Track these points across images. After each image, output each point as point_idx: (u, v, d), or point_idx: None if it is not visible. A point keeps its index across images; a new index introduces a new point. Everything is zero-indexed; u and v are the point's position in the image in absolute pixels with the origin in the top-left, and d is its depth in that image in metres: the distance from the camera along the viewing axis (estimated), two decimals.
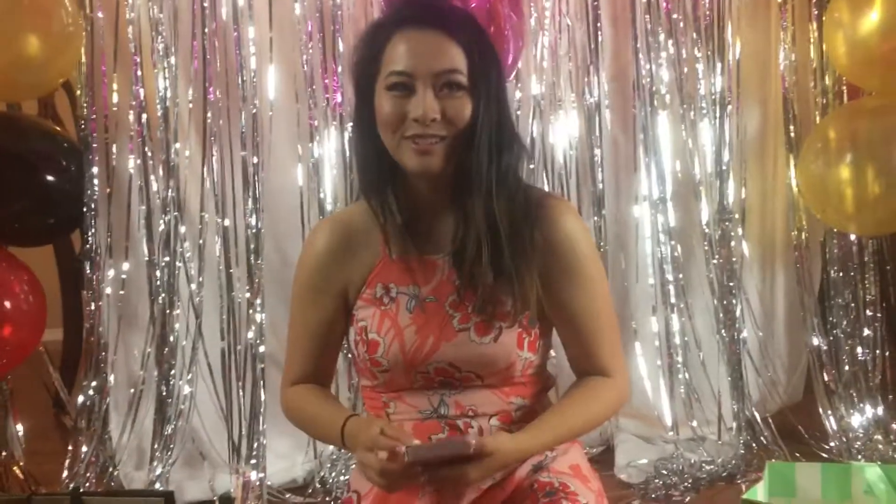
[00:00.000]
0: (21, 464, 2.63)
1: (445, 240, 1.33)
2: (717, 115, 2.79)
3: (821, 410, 2.79)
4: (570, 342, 1.38)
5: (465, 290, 1.30)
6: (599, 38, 2.77)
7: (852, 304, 2.82)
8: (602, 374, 1.37)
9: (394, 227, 1.33)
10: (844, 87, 2.79)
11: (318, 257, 1.39)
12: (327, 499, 2.55)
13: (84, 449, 2.61)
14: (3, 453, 2.62)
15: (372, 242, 1.36)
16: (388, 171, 1.33)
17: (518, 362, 1.31)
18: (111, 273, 2.68)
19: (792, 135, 2.83)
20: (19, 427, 2.66)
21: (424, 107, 1.25)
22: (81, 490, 1.38)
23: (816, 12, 2.77)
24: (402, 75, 1.26)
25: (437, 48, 1.26)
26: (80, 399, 2.68)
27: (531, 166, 2.78)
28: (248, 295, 2.62)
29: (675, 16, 2.76)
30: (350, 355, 1.43)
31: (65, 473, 2.58)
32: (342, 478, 2.60)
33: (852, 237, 2.81)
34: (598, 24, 2.77)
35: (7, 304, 2.48)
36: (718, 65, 2.78)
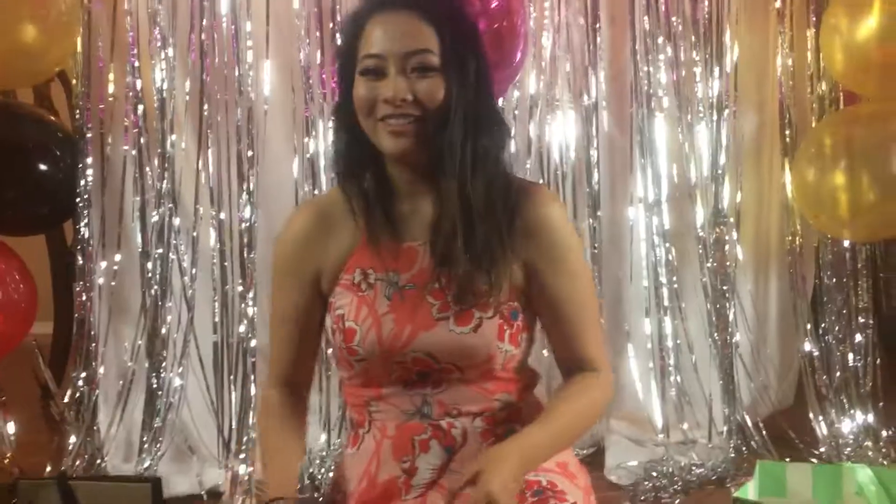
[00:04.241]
0: (9, 455, 2.62)
1: (425, 227, 1.32)
2: (714, 118, 2.80)
3: (811, 416, 2.79)
4: (553, 334, 1.36)
5: (440, 272, 1.28)
6: (598, 39, 2.78)
7: (844, 311, 2.83)
8: (586, 368, 1.35)
9: (372, 213, 1.32)
10: (841, 93, 2.80)
11: (295, 239, 1.37)
12: (315, 495, 2.54)
13: (72, 440, 2.60)
14: None
15: (351, 227, 1.34)
16: (366, 157, 1.32)
17: (498, 355, 1.29)
18: (103, 264, 2.67)
19: (788, 140, 2.84)
20: (7, 418, 2.65)
21: (395, 88, 1.24)
22: (68, 476, 1.38)
23: (814, 18, 2.78)
24: (373, 58, 1.26)
25: (407, 29, 1.26)
26: (69, 390, 2.67)
27: (527, 166, 2.79)
28: (240, 289, 2.61)
29: (673, 19, 2.77)
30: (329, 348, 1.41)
31: (50, 467, 2.57)
32: (330, 474, 2.59)
33: (846, 243, 2.82)
34: (597, 25, 2.78)
35: None
36: (716, 68, 2.79)
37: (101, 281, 2.67)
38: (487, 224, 1.28)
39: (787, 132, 2.84)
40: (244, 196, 2.63)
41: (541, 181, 2.78)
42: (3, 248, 2.57)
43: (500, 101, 2.71)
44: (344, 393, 1.40)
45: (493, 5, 2.38)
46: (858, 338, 2.81)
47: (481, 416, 1.31)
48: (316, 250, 1.35)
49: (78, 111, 2.67)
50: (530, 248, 1.31)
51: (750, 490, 1.55)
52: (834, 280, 2.84)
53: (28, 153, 2.57)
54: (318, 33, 2.66)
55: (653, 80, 2.78)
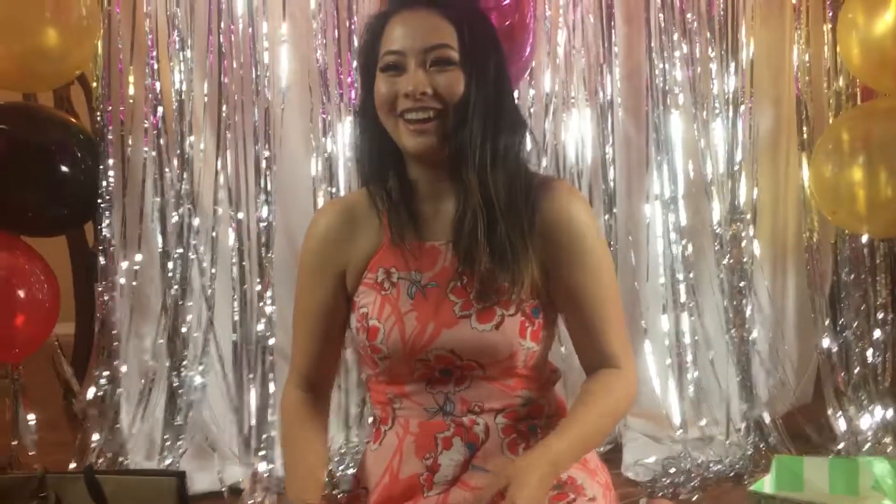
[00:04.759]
0: (32, 453, 2.65)
1: (448, 227, 1.33)
2: (730, 114, 2.80)
3: (830, 412, 2.78)
4: (576, 330, 1.36)
5: (462, 270, 1.29)
6: (613, 37, 2.79)
7: (863, 307, 2.82)
8: (609, 365, 1.35)
9: (395, 212, 1.34)
10: (858, 89, 2.79)
11: (320, 238, 1.39)
12: (335, 492, 2.56)
13: (95, 437, 2.63)
14: (15, 442, 2.64)
15: (374, 226, 1.36)
16: (389, 158, 1.34)
17: (520, 352, 1.29)
18: (124, 264, 2.70)
19: (805, 136, 2.83)
20: (30, 417, 2.68)
21: (414, 82, 1.26)
22: (95, 470, 1.41)
23: (831, 13, 2.77)
24: (393, 54, 1.29)
25: (427, 25, 1.28)
26: (92, 389, 2.70)
27: (543, 164, 2.79)
28: (258, 288, 2.64)
29: (689, 15, 2.77)
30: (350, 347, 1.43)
31: (73, 464, 2.60)
32: (350, 471, 2.60)
33: (864, 239, 2.81)
34: (612, 23, 2.78)
35: (21, 292, 2.50)
36: (732, 65, 2.79)
37: (122, 281, 2.69)
38: (509, 220, 1.29)
39: (804, 128, 2.83)
40: (262, 196, 2.65)
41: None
42: (27, 249, 2.61)
43: (516, 99, 2.72)
44: (369, 389, 1.41)
45: (505, 2, 2.40)
46: (877, 334, 2.80)
47: (503, 413, 1.32)
48: (341, 248, 1.37)
49: (99, 113, 2.70)
50: (552, 244, 1.31)
51: (767, 484, 1.56)
52: (852, 276, 2.82)
53: (50, 155, 2.59)
54: (335, 33, 2.68)
55: (668, 76, 2.78)
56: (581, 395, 1.34)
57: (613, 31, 2.79)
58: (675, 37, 2.78)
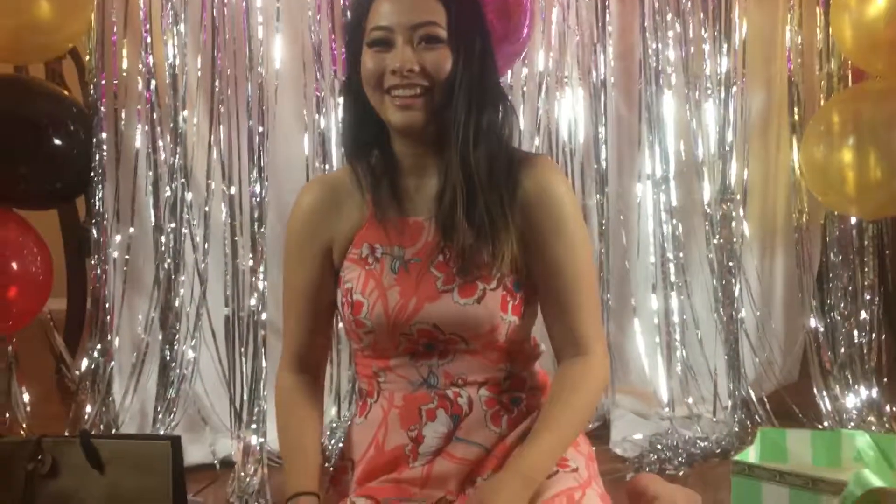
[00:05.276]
0: (24, 426, 2.66)
1: (430, 202, 1.34)
2: (722, 95, 2.81)
3: (815, 391, 2.82)
4: (549, 306, 1.36)
5: (444, 245, 1.31)
6: (607, 16, 2.79)
7: (850, 287, 2.85)
8: (580, 349, 1.34)
9: (378, 188, 1.35)
10: (850, 71, 2.80)
11: (305, 215, 1.39)
12: (326, 465, 2.57)
13: (88, 410, 2.64)
14: (7, 415, 2.66)
15: (358, 202, 1.37)
16: (374, 134, 1.35)
17: (502, 326, 1.30)
18: (117, 238, 2.71)
19: (796, 117, 2.85)
20: (23, 389, 2.70)
21: (402, 58, 1.27)
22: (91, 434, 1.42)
23: None
24: (381, 30, 1.29)
25: (415, 2, 1.29)
26: (85, 362, 2.72)
27: (536, 143, 2.80)
28: (251, 263, 2.65)
29: None
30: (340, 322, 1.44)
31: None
32: (341, 444, 2.62)
33: (853, 220, 2.83)
34: (606, 2, 2.79)
35: (14, 264, 2.51)
36: (725, 45, 2.80)
37: (114, 255, 2.70)
38: (489, 195, 1.30)
39: (796, 109, 2.85)
40: (255, 171, 2.65)
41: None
42: (20, 221, 2.61)
43: (509, 78, 2.74)
44: (355, 362, 1.43)
45: None
46: (863, 314, 2.83)
47: (486, 385, 1.34)
48: (326, 225, 1.38)
49: (91, 87, 2.69)
50: (531, 218, 1.33)
51: (751, 455, 1.59)
52: (840, 257, 2.85)
53: (43, 127, 2.58)
54: (329, 10, 2.67)
55: (661, 56, 2.79)
56: (554, 394, 1.34)
57: (607, 10, 2.79)
58: (669, 17, 2.78)
